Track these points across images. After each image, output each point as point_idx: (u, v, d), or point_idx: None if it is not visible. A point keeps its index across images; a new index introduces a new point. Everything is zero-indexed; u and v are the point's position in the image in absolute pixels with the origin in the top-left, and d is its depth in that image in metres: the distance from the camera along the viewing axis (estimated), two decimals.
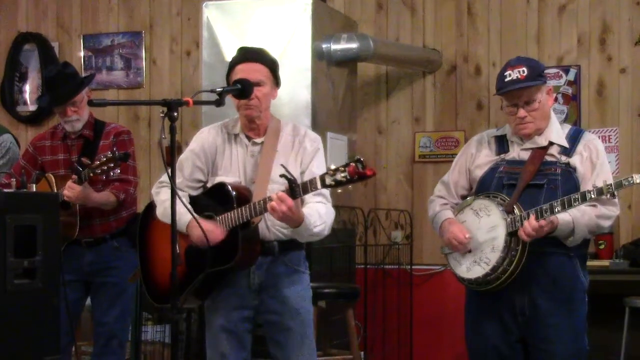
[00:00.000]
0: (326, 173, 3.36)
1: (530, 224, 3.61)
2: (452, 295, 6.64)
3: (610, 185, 3.54)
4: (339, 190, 3.36)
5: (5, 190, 3.90)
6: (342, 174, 3.30)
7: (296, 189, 3.47)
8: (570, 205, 3.59)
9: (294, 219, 3.56)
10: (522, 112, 3.79)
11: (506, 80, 3.78)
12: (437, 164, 6.78)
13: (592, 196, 3.56)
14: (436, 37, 6.84)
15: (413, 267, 6.72)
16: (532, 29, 6.60)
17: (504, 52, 6.63)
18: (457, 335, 6.64)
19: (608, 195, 3.56)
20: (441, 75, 6.83)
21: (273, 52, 3.97)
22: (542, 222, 3.61)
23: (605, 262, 6.02)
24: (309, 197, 3.68)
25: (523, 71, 3.76)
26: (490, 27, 6.71)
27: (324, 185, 3.38)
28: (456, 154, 6.55)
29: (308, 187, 3.46)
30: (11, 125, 7.88)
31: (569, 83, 6.48)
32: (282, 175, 3.46)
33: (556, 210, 3.60)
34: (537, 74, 3.80)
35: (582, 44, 6.48)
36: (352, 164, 3.29)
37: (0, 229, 3.47)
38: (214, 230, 3.66)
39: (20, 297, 3.53)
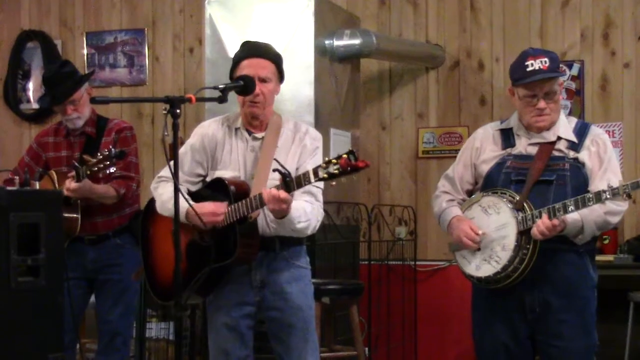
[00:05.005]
0: (319, 166, 3.35)
1: (544, 223, 3.57)
2: (456, 290, 6.64)
3: (627, 185, 3.47)
4: (333, 183, 3.34)
5: (8, 187, 3.90)
6: (335, 167, 3.29)
7: (290, 183, 3.46)
8: (584, 205, 3.53)
9: (281, 211, 3.56)
10: (542, 103, 3.73)
11: (528, 69, 3.71)
12: (441, 159, 6.78)
13: (608, 197, 3.50)
14: (439, 32, 6.84)
15: (417, 262, 6.72)
16: (535, 23, 6.59)
17: (507, 47, 6.63)
18: (461, 330, 6.66)
19: (624, 196, 3.49)
20: (444, 70, 6.82)
21: (276, 49, 3.96)
22: (555, 221, 3.57)
23: (610, 257, 6.02)
24: (297, 195, 3.66)
25: (545, 62, 3.71)
26: (493, 22, 6.70)
27: (317, 178, 3.37)
28: (460, 150, 6.64)
29: (302, 180, 3.45)
30: (14, 123, 7.91)
31: (573, 78, 6.47)
32: (275, 170, 3.47)
33: (569, 209, 3.55)
34: (556, 66, 3.76)
35: (585, 39, 6.47)
36: (344, 156, 3.28)
37: (4, 226, 3.47)
38: (215, 210, 3.66)
39: (24, 295, 3.53)
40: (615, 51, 6.43)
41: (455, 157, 6.81)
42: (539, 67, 3.70)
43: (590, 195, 3.54)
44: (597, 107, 6.45)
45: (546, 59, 3.72)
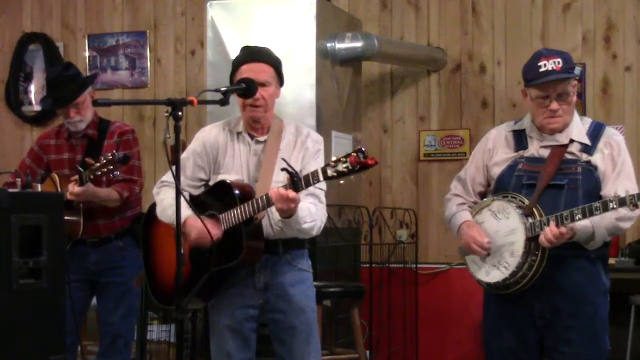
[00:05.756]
0: (327, 165, 3.35)
1: (551, 231, 3.52)
2: (457, 293, 6.64)
3: (633, 196, 3.40)
4: (341, 182, 3.35)
5: (10, 190, 3.90)
6: (344, 165, 3.29)
7: (298, 183, 3.46)
8: (591, 214, 3.48)
9: (289, 210, 3.55)
10: (555, 105, 3.67)
11: (541, 70, 3.66)
12: (442, 162, 6.78)
13: (614, 206, 3.43)
14: (440, 35, 6.84)
15: (418, 265, 6.71)
16: (537, 27, 6.59)
17: (509, 50, 6.63)
18: (462, 333, 6.66)
19: (631, 206, 3.41)
20: (446, 73, 6.82)
21: (277, 52, 3.97)
22: (563, 229, 3.52)
23: (611, 261, 5.98)
24: (301, 196, 3.66)
25: (558, 62, 3.66)
26: (494, 25, 6.71)
27: (325, 177, 3.37)
28: (461, 153, 6.68)
29: (310, 179, 3.45)
30: (16, 126, 7.91)
31: None
32: (283, 169, 3.46)
33: (577, 218, 3.50)
34: (569, 67, 3.71)
35: (587, 42, 6.47)
36: (353, 154, 3.28)
37: (5, 228, 3.48)
38: (212, 228, 3.66)
39: (26, 297, 3.54)
40: (617, 54, 6.43)
41: (456, 160, 6.86)
42: (552, 67, 3.65)
43: (598, 205, 3.47)
44: (598, 109, 6.44)
45: (559, 60, 3.67)
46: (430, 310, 6.72)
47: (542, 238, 3.56)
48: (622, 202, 3.42)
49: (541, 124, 3.75)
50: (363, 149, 3.30)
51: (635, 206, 3.41)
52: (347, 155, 3.30)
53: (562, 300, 3.68)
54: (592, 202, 3.51)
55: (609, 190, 3.64)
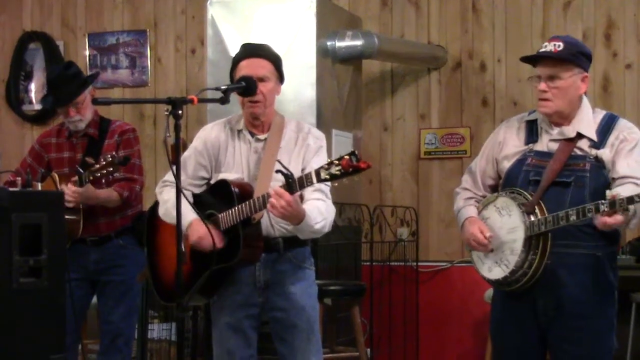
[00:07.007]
0: (321, 167, 3.36)
1: (613, 218, 3.38)
2: (458, 291, 6.64)
3: (623, 200, 3.32)
4: (335, 184, 3.36)
5: (11, 188, 3.90)
6: (337, 168, 3.29)
7: (292, 184, 3.46)
8: (584, 216, 3.42)
9: (295, 215, 3.54)
10: (543, 85, 3.61)
11: (540, 50, 3.63)
12: (443, 160, 6.78)
13: (605, 209, 3.36)
14: (441, 33, 6.84)
15: (419, 263, 6.71)
16: (537, 24, 6.59)
17: (509, 48, 6.62)
18: (463, 331, 6.67)
19: (621, 210, 3.35)
20: (446, 71, 6.82)
21: (278, 50, 3.97)
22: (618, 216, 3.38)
23: None
24: (308, 194, 3.67)
25: (559, 45, 3.61)
26: (495, 23, 6.70)
27: (319, 179, 3.37)
28: (462, 151, 6.69)
29: (304, 181, 3.45)
30: (16, 124, 7.91)
31: None
32: (278, 171, 3.46)
33: (571, 219, 3.45)
34: (571, 53, 3.63)
35: (587, 40, 6.45)
36: (346, 157, 3.28)
37: (6, 227, 3.48)
38: (207, 236, 3.66)
39: (26, 296, 3.54)
40: (617, 52, 6.43)
41: (457, 158, 6.86)
42: (550, 49, 3.61)
43: (590, 207, 3.42)
44: (598, 108, 6.42)
45: (560, 43, 3.62)
46: (431, 308, 6.72)
47: (599, 223, 3.42)
48: (612, 204, 3.36)
49: (537, 105, 3.70)
50: (356, 152, 3.30)
51: (626, 210, 3.35)
52: (340, 159, 3.30)
53: (567, 298, 3.64)
54: (586, 204, 3.45)
55: (620, 165, 3.57)
